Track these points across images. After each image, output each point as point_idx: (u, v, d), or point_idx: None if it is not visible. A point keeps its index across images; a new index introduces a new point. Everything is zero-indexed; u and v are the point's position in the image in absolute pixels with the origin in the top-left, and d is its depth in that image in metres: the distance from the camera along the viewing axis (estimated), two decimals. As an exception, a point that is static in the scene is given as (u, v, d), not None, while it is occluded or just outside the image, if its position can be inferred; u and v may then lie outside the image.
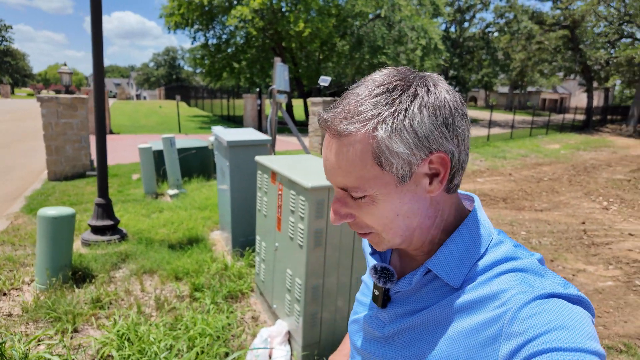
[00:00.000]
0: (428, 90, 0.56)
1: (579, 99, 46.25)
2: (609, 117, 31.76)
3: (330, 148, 0.59)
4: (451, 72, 26.75)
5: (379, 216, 0.60)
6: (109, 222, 4.18)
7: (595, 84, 30.01)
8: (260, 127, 15.85)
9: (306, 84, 19.14)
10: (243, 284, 3.35)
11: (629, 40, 27.13)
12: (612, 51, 26.66)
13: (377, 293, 0.72)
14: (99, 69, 4.05)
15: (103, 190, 4.15)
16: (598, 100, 43.07)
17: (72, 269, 3.37)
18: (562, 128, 22.98)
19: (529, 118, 27.20)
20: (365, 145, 0.55)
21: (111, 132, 15.15)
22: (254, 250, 3.88)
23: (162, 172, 6.31)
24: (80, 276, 3.39)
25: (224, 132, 4.04)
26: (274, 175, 2.70)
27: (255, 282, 3.24)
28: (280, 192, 2.61)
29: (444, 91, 0.57)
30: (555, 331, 0.47)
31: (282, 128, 16.07)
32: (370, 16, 17.52)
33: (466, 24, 28.24)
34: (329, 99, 10.52)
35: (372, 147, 0.55)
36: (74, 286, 3.21)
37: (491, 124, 18.13)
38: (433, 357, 0.59)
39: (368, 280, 0.80)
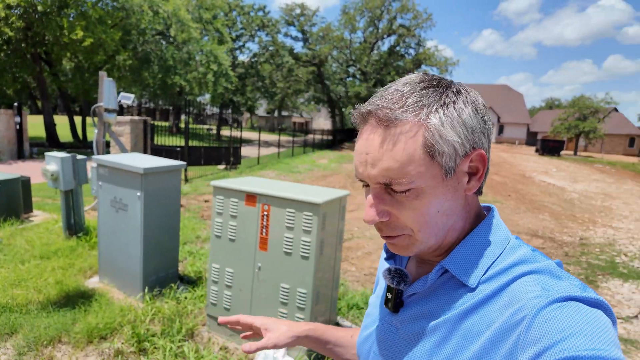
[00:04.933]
0: (466, 89, 0.60)
1: (318, 123, 57.16)
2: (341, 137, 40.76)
3: (373, 139, 0.56)
4: (231, 96, 28.21)
5: (421, 212, 0.57)
6: None
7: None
8: (20, 152, 12.33)
9: (79, 100, 16.15)
10: (190, 321, 3.08)
11: (352, 78, 35.88)
12: (344, 87, 34.56)
13: (389, 296, 0.68)
14: None
15: None
16: (333, 124, 54.78)
17: None
18: (318, 146, 27.81)
19: (288, 138, 31.62)
20: (417, 133, 0.55)
21: None
22: (182, 285, 3.52)
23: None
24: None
25: (119, 158, 3.48)
26: (251, 197, 2.77)
27: (207, 314, 3.06)
28: (265, 213, 2.72)
29: (473, 92, 0.60)
30: (573, 337, 0.44)
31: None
32: (153, 32, 16.60)
33: (237, 52, 30.48)
34: (136, 118, 9.55)
35: (424, 135, 0.55)
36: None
37: (263, 144, 20.18)
38: None
39: (379, 290, 0.77)
